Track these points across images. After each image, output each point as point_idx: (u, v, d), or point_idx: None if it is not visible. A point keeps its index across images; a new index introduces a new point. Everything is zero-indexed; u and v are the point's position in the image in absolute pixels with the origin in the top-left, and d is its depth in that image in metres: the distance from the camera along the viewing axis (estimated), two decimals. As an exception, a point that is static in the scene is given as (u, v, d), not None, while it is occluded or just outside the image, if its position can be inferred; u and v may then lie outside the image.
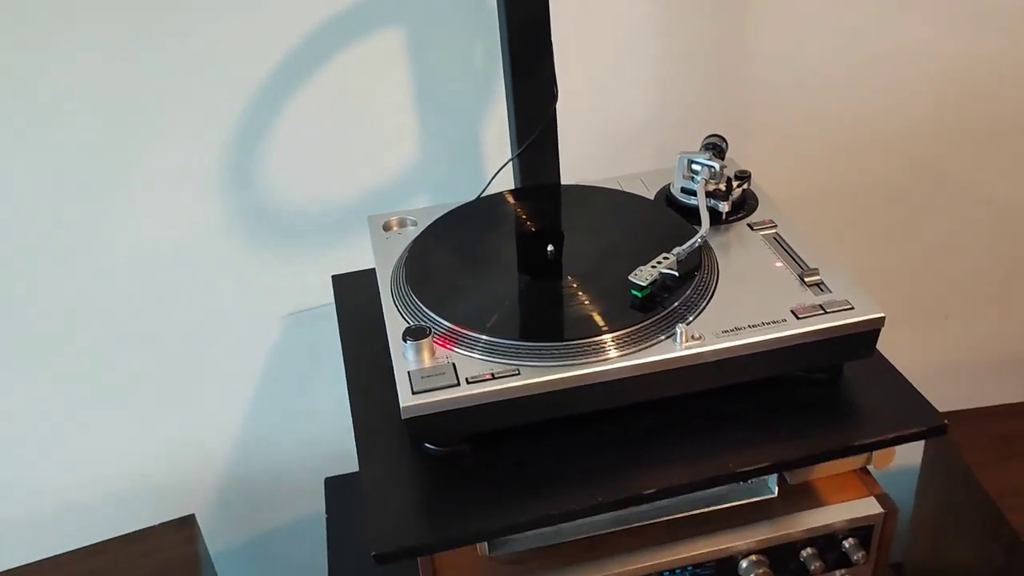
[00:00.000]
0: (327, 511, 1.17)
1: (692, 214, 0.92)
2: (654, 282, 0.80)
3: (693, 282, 0.82)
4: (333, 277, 1.05)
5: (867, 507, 0.91)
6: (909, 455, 1.32)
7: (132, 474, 1.26)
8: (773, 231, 0.91)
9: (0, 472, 1.21)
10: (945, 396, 1.28)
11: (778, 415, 0.81)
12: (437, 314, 0.80)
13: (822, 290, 0.82)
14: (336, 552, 1.11)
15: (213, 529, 1.30)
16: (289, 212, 1.13)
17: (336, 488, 1.21)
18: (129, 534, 1.20)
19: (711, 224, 0.88)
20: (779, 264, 0.86)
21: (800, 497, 0.91)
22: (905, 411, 0.81)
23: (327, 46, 1.04)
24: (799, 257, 0.86)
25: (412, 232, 0.95)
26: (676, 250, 0.83)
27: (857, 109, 1.24)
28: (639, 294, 0.80)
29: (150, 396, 1.21)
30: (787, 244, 0.89)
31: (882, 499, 0.92)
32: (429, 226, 0.94)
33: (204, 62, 1.02)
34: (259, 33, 1.02)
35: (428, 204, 1.15)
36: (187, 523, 1.22)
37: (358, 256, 1.13)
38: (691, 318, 0.79)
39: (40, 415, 1.19)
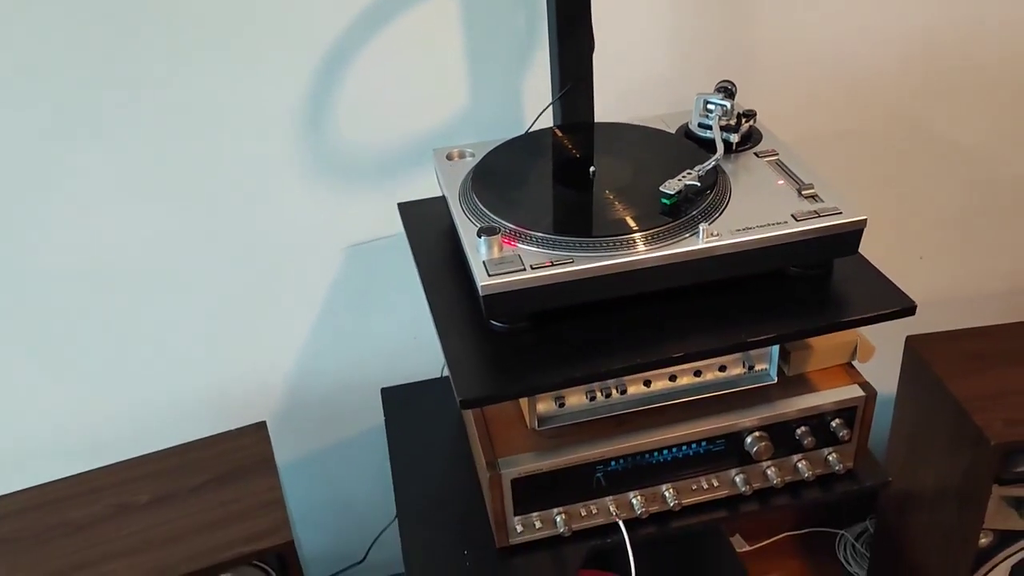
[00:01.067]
0: (386, 421, 1.35)
1: (708, 145, 1.10)
2: (680, 192, 0.98)
3: (712, 193, 1.00)
4: (399, 204, 1.22)
5: (851, 392, 1.09)
6: (888, 378, 1.51)
7: (210, 385, 1.43)
8: (775, 158, 1.09)
9: (107, 379, 1.38)
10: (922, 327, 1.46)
11: (781, 302, 1.00)
12: (503, 218, 0.98)
13: (816, 200, 1.00)
14: (398, 456, 1.28)
15: (282, 438, 1.48)
16: (352, 150, 1.31)
17: (393, 397, 1.38)
18: (210, 436, 1.38)
19: (724, 153, 1.06)
20: (781, 182, 1.04)
21: (796, 385, 1.10)
22: (883, 297, 0.99)
23: (392, 6, 1.22)
24: (797, 177, 1.04)
25: (470, 162, 1.13)
26: (697, 167, 1.01)
27: (846, 69, 1.42)
28: (668, 201, 0.98)
29: (229, 319, 1.39)
30: (787, 168, 1.07)
31: (864, 386, 1.10)
32: (489, 153, 1.12)
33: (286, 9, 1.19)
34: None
35: (481, 139, 1.33)
36: (259, 428, 1.39)
37: (415, 191, 1.30)
38: (710, 220, 0.97)
39: (169, 326, 1.37)
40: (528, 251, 0.94)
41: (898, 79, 1.44)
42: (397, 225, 1.20)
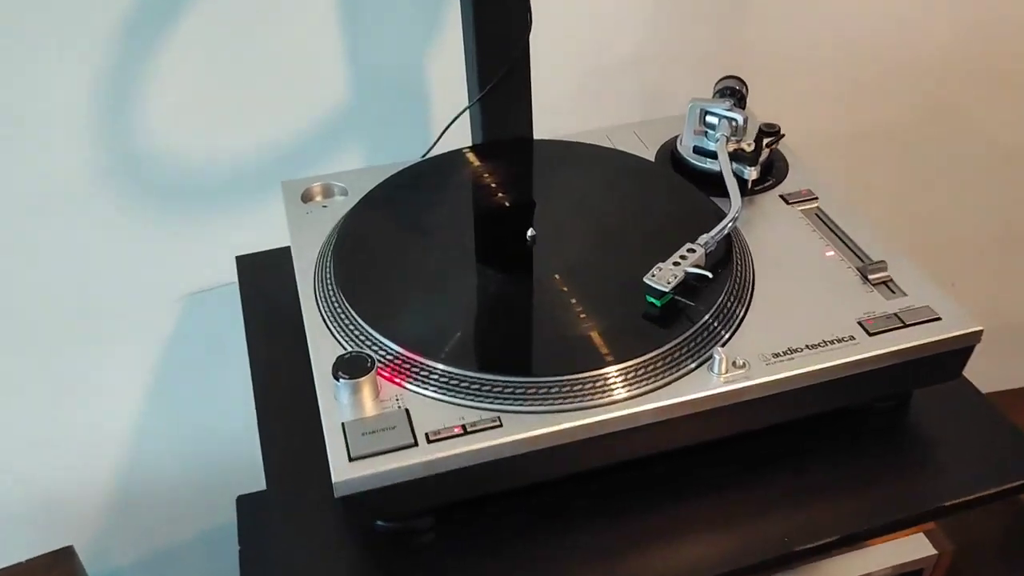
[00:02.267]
0: (240, 538, 0.95)
1: (706, 180, 0.71)
2: (678, 285, 0.59)
3: (727, 283, 0.60)
4: (237, 259, 0.80)
5: (916, 548, 0.74)
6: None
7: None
8: (813, 205, 0.70)
9: None
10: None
11: (837, 459, 0.62)
12: (381, 332, 0.57)
13: (892, 291, 0.62)
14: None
15: (99, 561, 1.07)
16: (177, 168, 0.88)
17: (251, 508, 0.98)
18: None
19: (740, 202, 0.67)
20: (830, 253, 0.65)
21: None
22: (998, 451, 0.62)
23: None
24: (852, 242, 0.66)
25: (340, 204, 0.72)
26: (703, 239, 0.61)
27: (867, 44, 1.03)
28: (659, 302, 0.58)
29: (13, 403, 0.96)
30: (833, 223, 0.68)
31: (933, 536, 0.75)
32: (364, 198, 0.71)
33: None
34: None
35: (358, 165, 0.91)
36: (64, 556, 0.99)
37: (267, 225, 0.88)
38: (726, 335, 0.58)
39: None
40: (422, 400, 0.54)
41: (935, 71, 1.06)
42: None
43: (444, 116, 0.89)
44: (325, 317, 0.60)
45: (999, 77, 1.11)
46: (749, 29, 0.98)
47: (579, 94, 0.95)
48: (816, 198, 0.71)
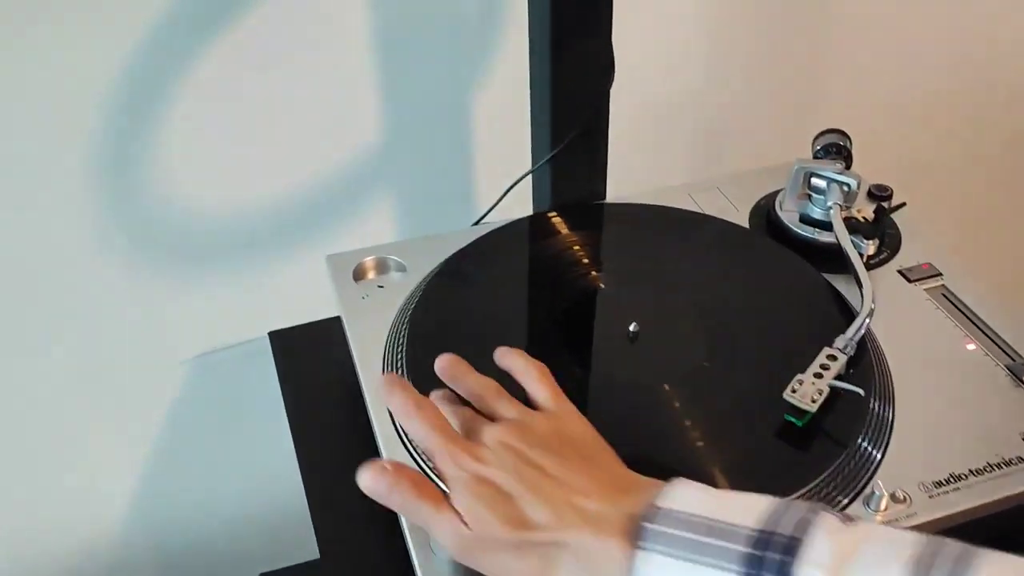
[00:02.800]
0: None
1: (812, 251, 0.63)
2: (819, 402, 0.50)
3: (870, 395, 0.52)
4: (271, 335, 0.71)
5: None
6: None
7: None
8: (939, 283, 0.62)
9: None
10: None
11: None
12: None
13: (1052, 393, 0.54)
14: None
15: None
16: (191, 225, 0.78)
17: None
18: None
19: (844, 272, 0.59)
20: (972, 347, 0.57)
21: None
22: None
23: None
24: (992, 331, 0.58)
25: (399, 283, 0.62)
26: (841, 342, 0.53)
27: (947, 79, 0.95)
28: (800, 423, 0.50)
29: (15, 467, 0.86)
30: (965, 306, 0.60)
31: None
32: (431, 280, 0.61)
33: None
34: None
35: (403, 233, 0.82)
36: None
37: (290, 284, 0.79)
38: (876, 455, 0.50)
39: None
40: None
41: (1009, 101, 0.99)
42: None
43: (491, 172, 0.80)
44: (403, 434, 0.51)
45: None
46: (806, 61, 0.90)
47: (632, 133, 0.86)
48: (940, 274, 0.63)
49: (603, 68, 0.63)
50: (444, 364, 0.48)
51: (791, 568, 0.35)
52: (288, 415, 0.65)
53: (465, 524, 0.41)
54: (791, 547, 0.35)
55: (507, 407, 0.46)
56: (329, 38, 0.73)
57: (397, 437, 0.52)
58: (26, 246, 0.75)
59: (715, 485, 0.42)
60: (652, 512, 0.38)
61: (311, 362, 0.68)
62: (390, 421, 0.52)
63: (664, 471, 0.46)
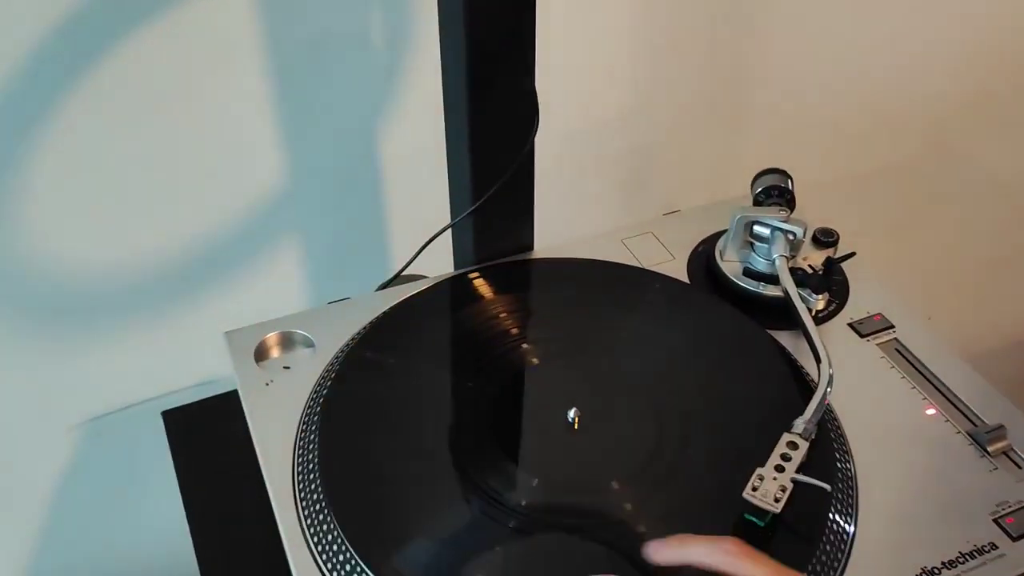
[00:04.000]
0: None
1: (754, 306, 0.58)
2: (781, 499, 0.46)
3: (833, 481, 0.48)
4: (164, 414, 0.63)
5: None
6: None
7: None
8: (891, 336, 0.58)
9: None
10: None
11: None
12: (397, 565, 0.43)
13: (1019, 465, 0.51)
14: None
15: None
16: (68, 283, 0.70)
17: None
18: None
19: (789, 327, 0.55)
20: (932, 411, 0.53)
21: None
22: None
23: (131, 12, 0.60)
24: (953, 393, 0.54)
25: (307, 363, 0.55)
26: (800, 425, 0.48)
27: (863, 90, 0.92)
28: (762, 523, 0.45)
29: None
30: (921, 363, 0.56)
31: None
32: (343, 358, 0.54)
33: None
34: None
35: (302, 293, 0.75)
36: None
37: (176, 344, 0.72)
38: (843, 547, 0.46)
39: None
40: None
41: (934, 111, 0.97)
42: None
43: (398, 225, 0.74)
44: (316, 554, 0.45)
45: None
46: (727, 75, 0.86)
47: (558, 162, 0.81)
48: (892, 326, 0.59)
49: (527, 114, 0.57)
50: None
51: None
52: (184, 500, 0.58)
53: None
54: None
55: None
56: (219, 77, 0.66)
57: (298, 529, 0.46)
58: None
59: None
60: None
61: (206, 442, 0.61)
62: (295, 514, 0.46)
63: None
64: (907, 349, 0.57)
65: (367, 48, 0.68)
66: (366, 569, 0.43)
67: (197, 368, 0.76)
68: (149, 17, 0.61)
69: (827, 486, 0.46)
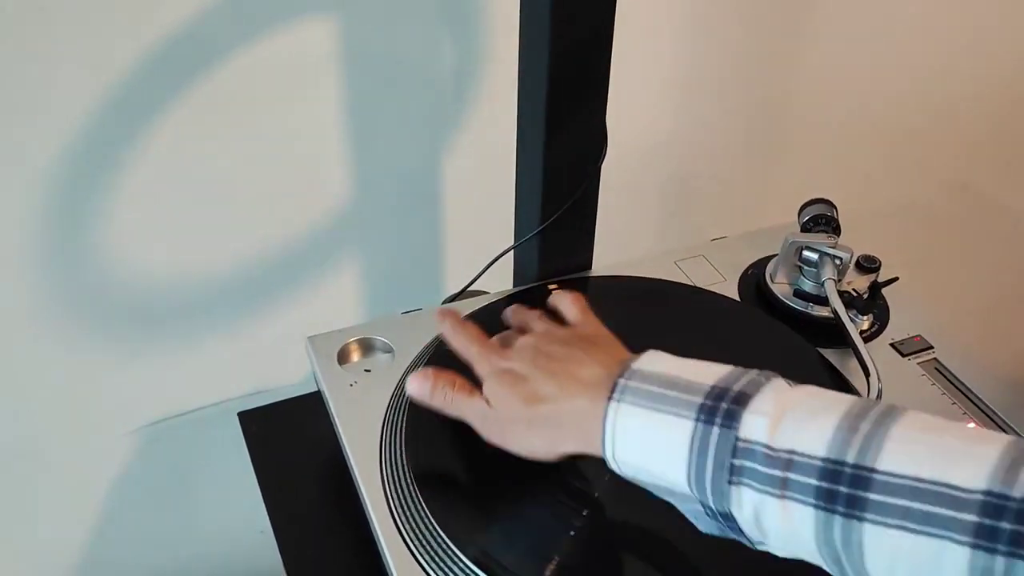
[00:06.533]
0: None
1: (804, 325, 0.62)
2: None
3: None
4: (240, 415, 0.66)
5: None
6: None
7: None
8: (931, 356, 0.62)
9: None
10: None
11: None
12: (479, 565, 0.46)
13: (1054, 476, 0.54)
14: None
15: None
16: (140, 291, 0.73)
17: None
18: None
19: (836, 345, 0.59)
20: (971, 425, 0.57)
21: None
22: None
23: (209, 45, 0.65)
24: (991, 410, 0.58)
25: (387, 367, 0.59)
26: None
27: (895, 127, 0.97)
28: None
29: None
30: (960, 381, 0.60)
31: None
32: (430, 357, 0.58)
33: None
34: (103, 18, 0.60)
35: (364, 302, 0.79)
36: None
37: (243, 352, 0.76)
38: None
39: None
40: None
41: (957, 147, 1.02)
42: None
43: (459, 241, 0.78)
44: (408, 537, 0.48)
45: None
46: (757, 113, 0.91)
47: (622, 213, 0.85)
48: (931, 347, 0.63)
49: (596, 143, 0.62)
50: (509, 310, 0.57)
51: (739, 415, 0.39)
52: (265, 500, 0.61)
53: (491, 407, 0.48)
54: (741, 399, 0.40)
55: (538, 323, 0.53)
56: (297, 100, 0.70)
57: (392, 524, 0.49)
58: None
59: None
60: (628, 372, 0.44)
61: (284, 443, 0.64)
62: (386, 507, 0.49)
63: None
64: (946, 368, 0.61)
65: (435, 74, 0.72)
66: (461, 557, 0.47)
67: (251, 376, 0.80)
68: (235, 49, 0.66)
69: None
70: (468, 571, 0.46)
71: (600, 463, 0.45)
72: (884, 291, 0.67)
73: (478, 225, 0.72)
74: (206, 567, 0.93)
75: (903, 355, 0.62)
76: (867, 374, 0.56)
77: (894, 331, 0.64)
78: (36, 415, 0.77)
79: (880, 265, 0.66)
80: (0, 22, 0.58)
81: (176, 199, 0.71)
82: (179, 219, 0.72)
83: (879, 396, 0.55)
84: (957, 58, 0.95)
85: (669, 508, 0.44)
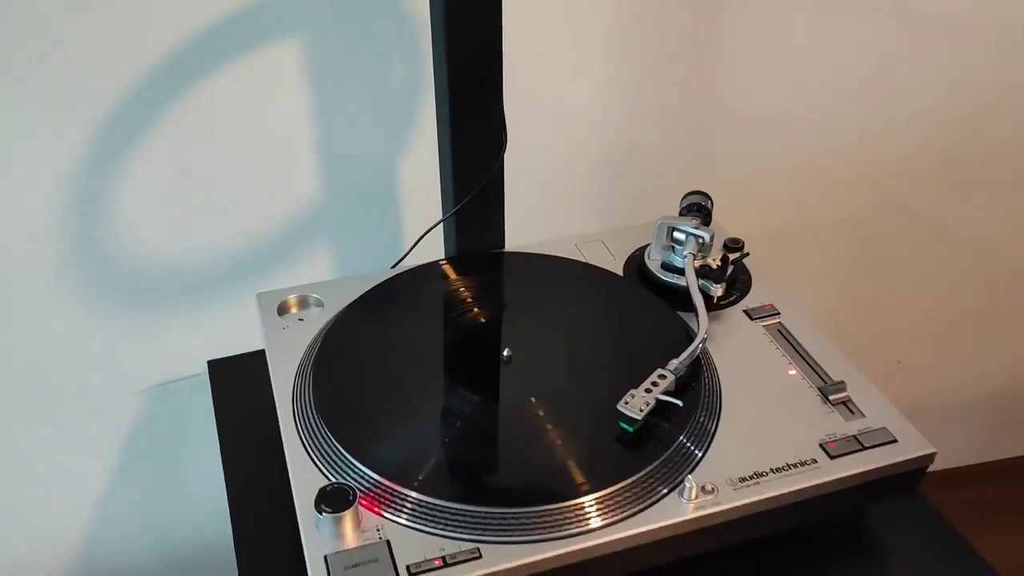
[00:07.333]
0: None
1: (674, 295, 0.74)
2: (651, 412, 0.61)
3: (697, 408, 0.63)
4: (209, 363, 0.81)
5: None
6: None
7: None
8: (775, 320, 0.73)
9: None
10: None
11: (795, 569, 0.64)
12: (362, 462, 0.59)
13: (851, 411, 0.65)
14: None
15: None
16: (145, 266, 0.89)
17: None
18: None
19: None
20: (793, 371, 0.68)
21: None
22: (948, 565, 0.65)
23: (202, 60, 0.80)
24: (813, 360, 0.69)
25: (316, 317, 0.73)
26: (673, 364, 0.64)
27: (825, 145, 1.08)
28: (631, 428, 0.60)
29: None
30: (795, 339, 0.71)
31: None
32: (340, 313, 0.72)
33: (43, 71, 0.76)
34: (116, 36, 0.77)
35: (331, 273, 0.93)
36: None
37: (234, 326, 0.90)
38: (698, 454, 0.61)
39: None
40: (403, 531, 0.56)
41: (894, 166, 1.12)
42: (211, 357, 0.81)
43: (413, 223, 0.92)
44: (305, 443, 0.62)
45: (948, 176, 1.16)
46: (700, 127, 1.02)
47: (552, 199, 0.98)
48: (778, 313, 0.74)
49: (496, 138, 0.75)
50: None
51: None
52: (220, 436, 0.75)
53: None
54: None
55: None
56: (270, 107, 0.85)
57: (292, 422, 0.62)
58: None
59: (569, 476, 0.56)
60: None
61: (243, 388, 0.79)
62: (299, 442, 0.62)
63: (534, 467, 0.58)
64: (787, 330, 0.72)
65: (388, 83, 0.87)
66: (345, 454, 0.60)
67: (245, 342, 0.94)
68: (224, 60, 0.82)
69: (679, 403, 0.61)
70: (343, 458, 0.59)
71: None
72: (752, 269, 0.78)
73: (424, 212, 0.85)
74: (201, 521, 1.07)
75: (752, 319, 0.73)
76: (698, 320, 0.68)
77: (751, 300, 0.75)
78: (54, 377, 0.92)
79: (743, 245, 0.77)
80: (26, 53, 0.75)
81: (173, 190, 0.86)
82: (175, 206, 0.87)
83: (703, 341, 0.66)
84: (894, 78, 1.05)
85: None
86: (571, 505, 0.56)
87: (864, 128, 1.07)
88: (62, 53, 0.76)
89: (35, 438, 0.95)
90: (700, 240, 0.74)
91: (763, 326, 0.73)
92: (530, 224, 0.90)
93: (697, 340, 0.66)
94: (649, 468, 0.59)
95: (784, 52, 0.99)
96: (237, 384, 0.80)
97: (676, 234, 0.75)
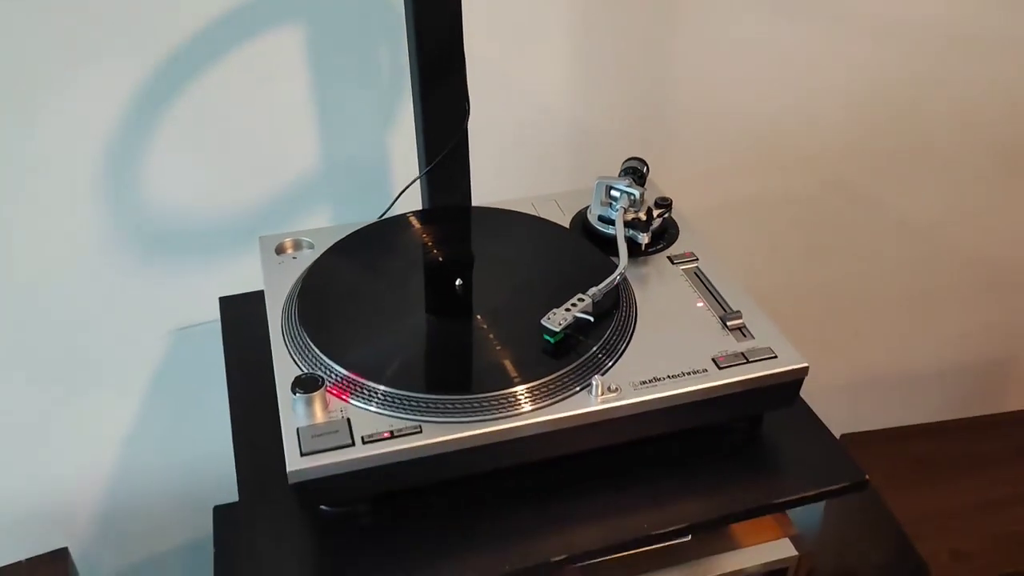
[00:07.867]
0: (215, 544, 1.09)
1: (610, 244, 0.86)
2: (568, 327, 0.74)
3: (610, 325, 0.76)
4: (221, 299, 0.96)
5: (781, 550, 0.88)
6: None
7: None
8: (694, 265, 0.86)
9: None
10: (855, 415, 1.27)
11: (696, 468, 0.77)
12: (331, 358, 0.73)
13: (744, 335, 0.77)
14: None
15: (90, 563, 1.20)
16: (171, 221, 1.03)
17: (226, 517, 1.12)
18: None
19: (630, 256, 0.82)
20: (700, 304, 0.81)
21: (714, 539, 0.88)
22: (826, 465, 0.77)
23: (215, 43, 0.95)
24: (720, 296, 0.82)
25: (308, 256, 0.87)
26: (592, 291, 0.77)
27: (774, 126, 1.20)
28: (552, 339, 0.74)
29: (16, 416, 1.10)
30: (708, 280, 0.84)
31: (796, 541, 0.89)
32: (325, 252, 0.86)
33: (76, 49, 0.91)
34: (141, 24, 0.91)
35: (328, 223, 1.07)
36: (59, 557, 1.12)
37: (250, 272, 1.04)
38: (609, 364, 0.74)
39: None
40: (362, 412, 0.69)
41: (846, 150, 1.24)
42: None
43: (399, 184, 1.06)
44: (289, 347, 0.76)
45: (889, 156, 1.28)
46: (655, 106, 1.15)
47: (512, 164, 1.12)
48: (697, 259, 0.87)
49: (460, 108, 0.89)
50: None
51: None
52: (225, 359, 0.90)
53: None
54: None
55: None
56: (266, 88, 1.00)
57: (281, 339, 0.76)
58: (42, 237, 1.00)
59: (504, 375, 0.70)
60: None
61: (248, 320, 0.93)
62: (284, 346, 0.76)
63: (474, 368, 0.71)
64: (702, 272, 0.85)
65: (377, 68, 1.01)
66: (316, 351, 0.74)
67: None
68: (229, 50, 0.96)
69: (591, 318, 0.74)
70: (316, 356, 0.73)
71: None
72: (680, 224, 0.91)
73: (407, 175, 0.99)
74: (219, 453, 1.21)
75: (673, 263, 0.86)
76: (619, 259, 0.81)
77: (676, 249, 0.88)
78: (91, 325, 1.07)
79: (671, 203, 0.90)
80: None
81: (197, 153, 1.01)
82: (200, 168, 1.02)
83: (621, 274, 0.79)
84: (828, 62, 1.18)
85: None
86: (496, 395, 0.70)
87: (807, 116, 1.20)
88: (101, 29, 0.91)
89: (72, 381, 1.09)
90: (631, 196, 0.87)
91: (682, 269, 0.86)
92: (504, 191, 1.03)
93: (615, 273, 0.79)
94: (563, 371, 0.72)
95: (738, 48, 1.12)
96: (243, 315, 0.94)
97: (612, 191, 0.88)
